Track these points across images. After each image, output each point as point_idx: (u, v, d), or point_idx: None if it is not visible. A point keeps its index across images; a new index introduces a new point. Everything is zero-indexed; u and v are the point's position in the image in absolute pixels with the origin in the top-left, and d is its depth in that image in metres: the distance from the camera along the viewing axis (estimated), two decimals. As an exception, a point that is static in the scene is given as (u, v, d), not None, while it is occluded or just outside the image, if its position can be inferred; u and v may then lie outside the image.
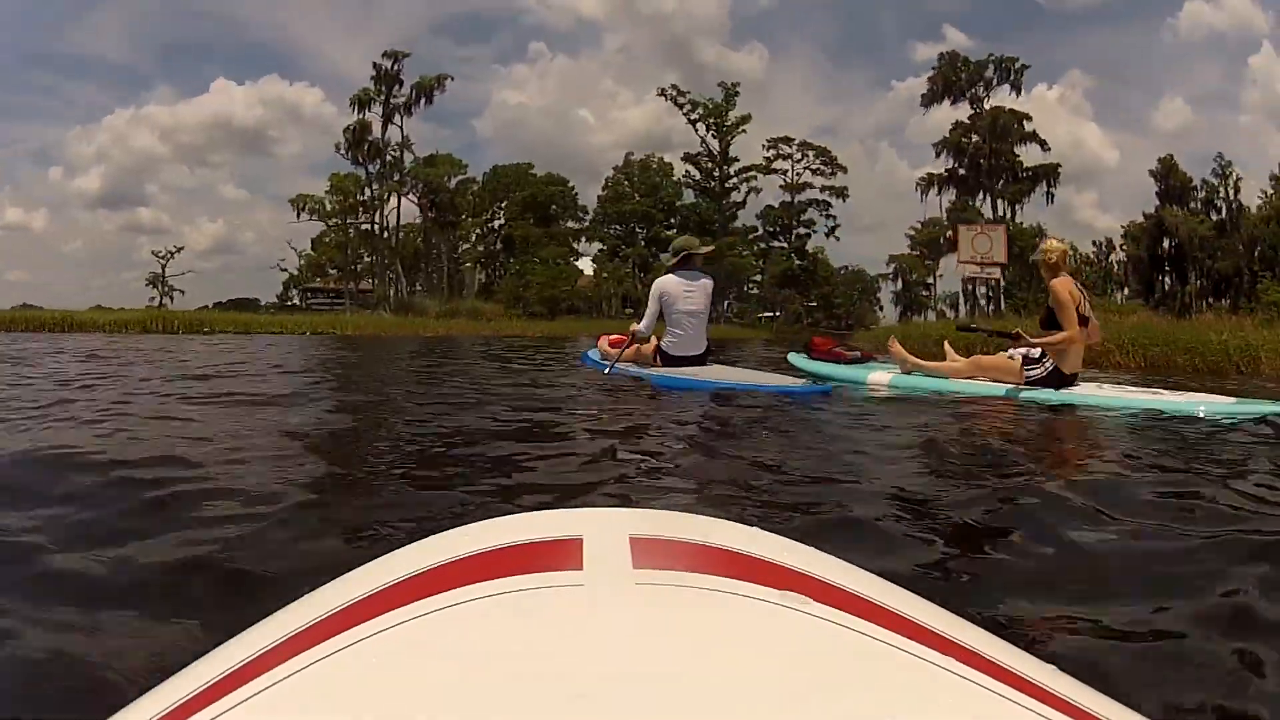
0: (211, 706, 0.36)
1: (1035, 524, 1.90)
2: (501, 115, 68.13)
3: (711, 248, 7.09)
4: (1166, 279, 46.12)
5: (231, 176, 77.18)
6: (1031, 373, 5.07)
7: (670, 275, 6.22)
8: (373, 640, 0.40)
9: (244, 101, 60.76)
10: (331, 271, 50.71)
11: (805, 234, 54.38)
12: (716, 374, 5.75)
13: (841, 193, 53.77)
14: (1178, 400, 4.56)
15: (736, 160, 52.98)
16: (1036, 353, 5.09)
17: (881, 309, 59.73)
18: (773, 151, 54.00)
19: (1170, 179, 46.17)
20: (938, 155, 49.94)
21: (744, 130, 51.73)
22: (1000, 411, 4.58)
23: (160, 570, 1.51)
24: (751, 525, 0.58)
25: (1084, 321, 5.00)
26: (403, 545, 0.54)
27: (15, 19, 59.78)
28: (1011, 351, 5.25)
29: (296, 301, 52.15)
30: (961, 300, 52.73)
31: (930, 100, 50.28)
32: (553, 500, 2.19)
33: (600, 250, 51.94)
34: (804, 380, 5.51)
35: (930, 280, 54.54)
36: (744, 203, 53.53)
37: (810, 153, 54.14)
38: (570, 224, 53.24)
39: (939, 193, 50.43)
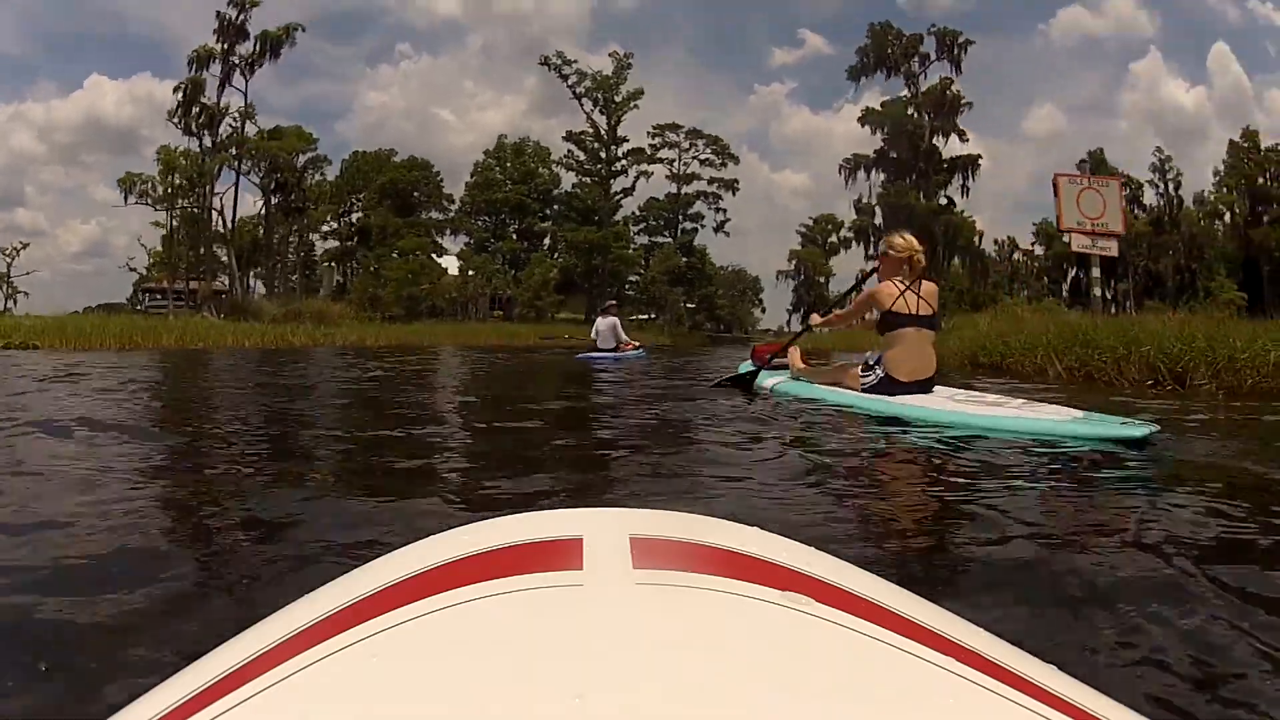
0: (211, 706, 0.37)
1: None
2: (365, 118, 65.59)
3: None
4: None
5: (104, 177, 72.14)
6: (865, 379, 4.92)
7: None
8: (373, 640, 0.40)
9: (115, 99, 55.20)
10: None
11: (692, 229, 51.78)
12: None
13: (731, 185, 51.60)
14: (1022, 416, 3.83)
15: (626, 141, 48.99)
16: (872, 359, 4.96)
17: (764, 310, 58.10)
18: (658, 139, 51.27)
19: (1098, 172, 45.19)
20: (873, 132, 47.03)
21: (636, 106, 47.62)
22: (830, 420, 4.57)
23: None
24: (751, 525, 0.58)
25: (913, 322, 4.79)
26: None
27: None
28: (854, 358, 5.45)
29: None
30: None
31: (860, 73, 47.40)
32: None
33: (466, 244, 47.24)
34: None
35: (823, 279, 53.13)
36: (633, 188, 49.86)
37: (700, 141, 51.74)
38: (435, 214, 48.15)
39: (868, 178, 47.75)
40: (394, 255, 41.55)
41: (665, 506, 1.74)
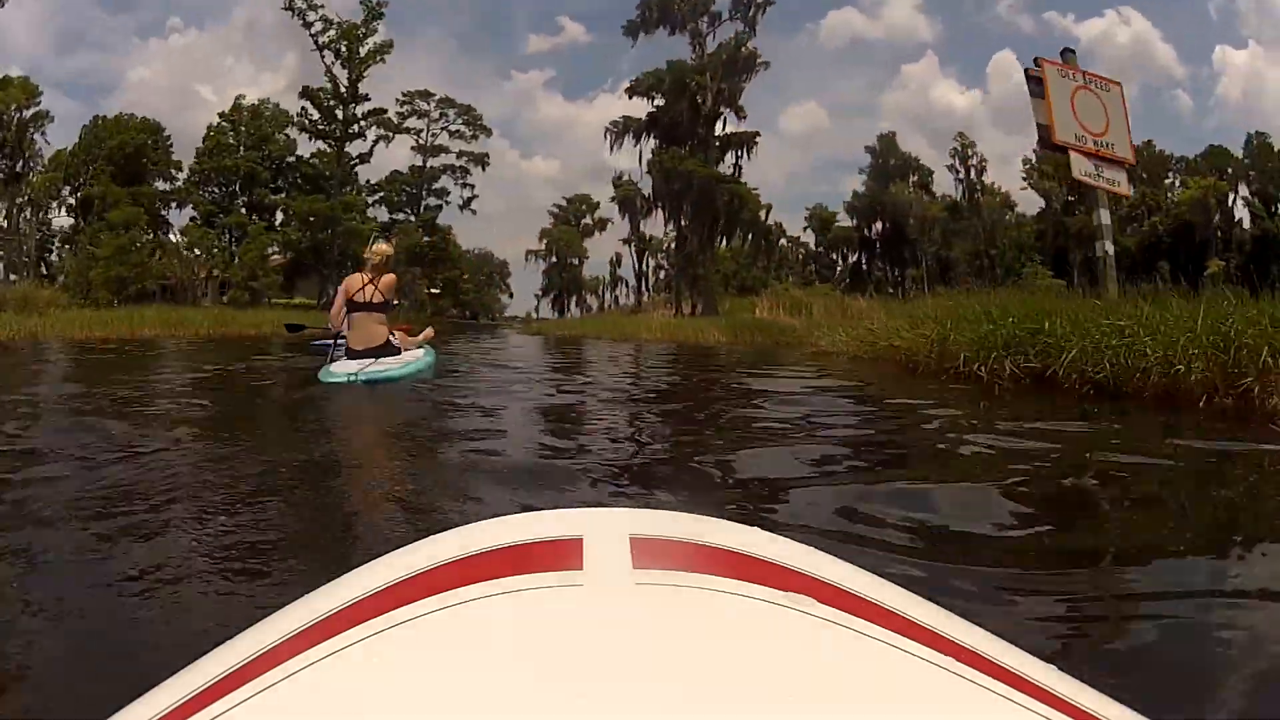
0: (211, 706, 0.37)
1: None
2: (129, 96, 59.71)
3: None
4: (878, 263, 44.35)
5: None
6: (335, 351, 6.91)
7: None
8: (373, 640, 0.40)
9: None
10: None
11: (437, 205, 50.25)
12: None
13: (482, 160, 50.68)
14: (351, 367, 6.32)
15: (368, 100, 45.79)
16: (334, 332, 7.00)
17: (512, 296, 57.93)
18: (407, 107, 49.56)
19: (889, 157, 44.01)
20: (644, 97, 42.78)
21: (382, 60, 44.23)
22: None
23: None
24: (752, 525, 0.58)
25: (358, 308, 6.69)
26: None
27: None
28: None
29: None
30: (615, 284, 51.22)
31: (640, 28, 42.51)
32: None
33: (192, 219, 43.14)
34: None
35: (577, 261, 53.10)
36: (370, 154, 47.09)
37: (451, 111, 50.45)
38: (161, 185, 43.41)
39: (636, 144, 43.53)
40: (106, 231, 37.31)
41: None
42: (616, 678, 0.36)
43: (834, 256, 48.94)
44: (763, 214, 44.88)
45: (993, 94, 54.04)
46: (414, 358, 6.85)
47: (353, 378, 6.06)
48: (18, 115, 38.81)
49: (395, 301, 6.88)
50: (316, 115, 44.81)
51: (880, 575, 0.51)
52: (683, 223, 41.83)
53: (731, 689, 0.36)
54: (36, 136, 39.40)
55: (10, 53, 55.02)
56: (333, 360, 6.68)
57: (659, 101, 43.01)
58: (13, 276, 38.93)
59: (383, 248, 7.00)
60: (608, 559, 0.47)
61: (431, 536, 0.54)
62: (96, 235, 36.88)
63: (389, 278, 6.77)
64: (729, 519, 0.60)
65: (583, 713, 0.33)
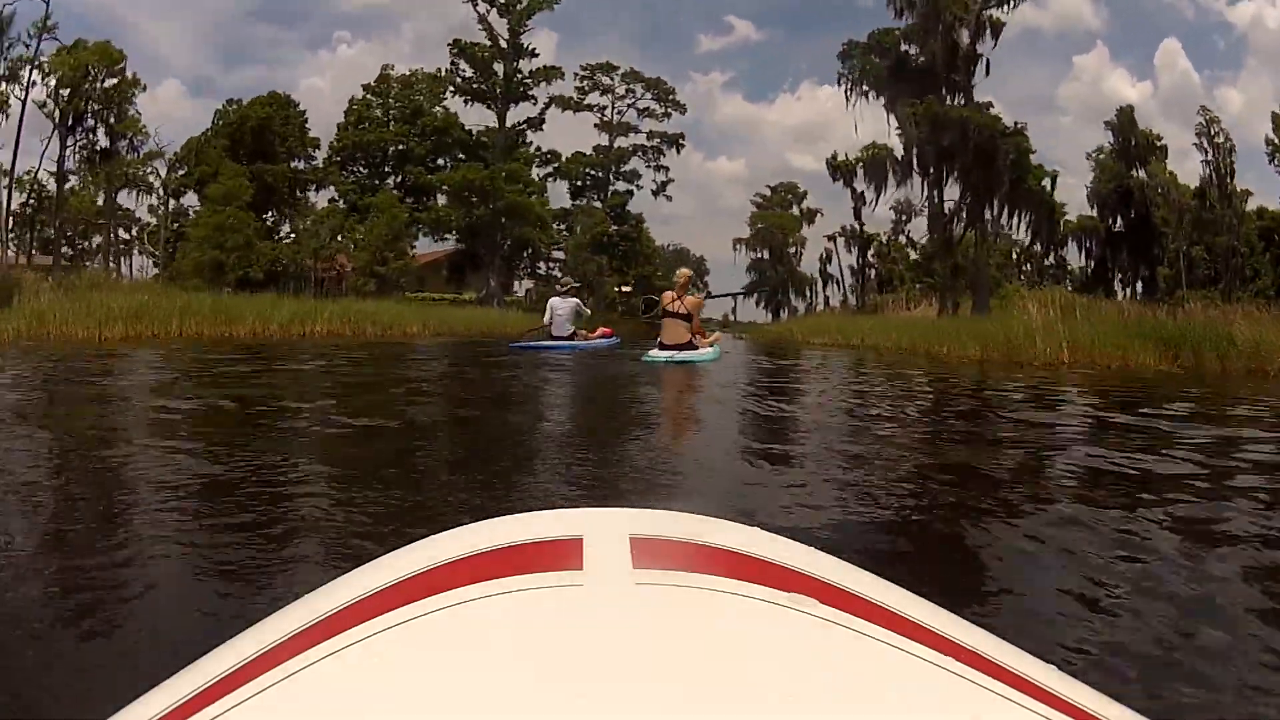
0: (211, 706, 0.37)
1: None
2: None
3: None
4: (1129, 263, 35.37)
5: None
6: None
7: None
8: (373, 640, 0.40)
9: None
10: None
11: (626, 191, 41.03)
12: None
13: (676, 141, 41.50)
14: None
15: (534, 55, 36.95)
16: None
17: (710, 295, 48.74)
18: (588, 82, 40.83)
19: (1130, 135, 34.38)
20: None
21: (551, 6, 36.03)
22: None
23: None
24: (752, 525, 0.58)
25: (666, 315, 9.83)
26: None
27: None
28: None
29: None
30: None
31: None
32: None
33: (331, 201, 35.17)
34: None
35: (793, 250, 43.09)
36: (542, 121, 38.33)
37: (639, 86, 41.34)
38: (299, 165, 35.16)
39: (879, 96, 33.42)
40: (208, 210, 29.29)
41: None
42: (616, 678, 0.36)
43: (1061, 253, 39.97)
44: (1046, 183, 33.44)
45: (1162, 84, 46.97)
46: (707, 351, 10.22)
47: (670, 359, 9.49)
48: (99, 83, 31.28)
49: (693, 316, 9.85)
50: (470, 72, 36.24)
51: (881, 575, 0.51)
52: (941, 194, 31.40)
53: (732, 689, 0.36)
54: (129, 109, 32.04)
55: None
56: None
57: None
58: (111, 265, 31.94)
59: (685, 271, 10.47)
60: (608, 559, 0.47)
61: (431, 536, 0.53)
62: (200, 217, 28.92)
63: (693, 299, 10.03)
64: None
65: (583, 713, 0.33)
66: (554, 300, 12.99)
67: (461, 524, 0.55)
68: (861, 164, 34.79)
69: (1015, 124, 31.57)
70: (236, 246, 27.07)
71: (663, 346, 9.68)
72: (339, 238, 31.79)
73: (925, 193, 33.15)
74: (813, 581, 0.46)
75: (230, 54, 57.40)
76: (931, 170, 31.98)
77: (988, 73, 31.44)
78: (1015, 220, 34.05)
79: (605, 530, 0.50)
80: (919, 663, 0.39)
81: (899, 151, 33.33)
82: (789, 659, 0.39)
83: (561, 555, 0.47)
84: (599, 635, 0.40)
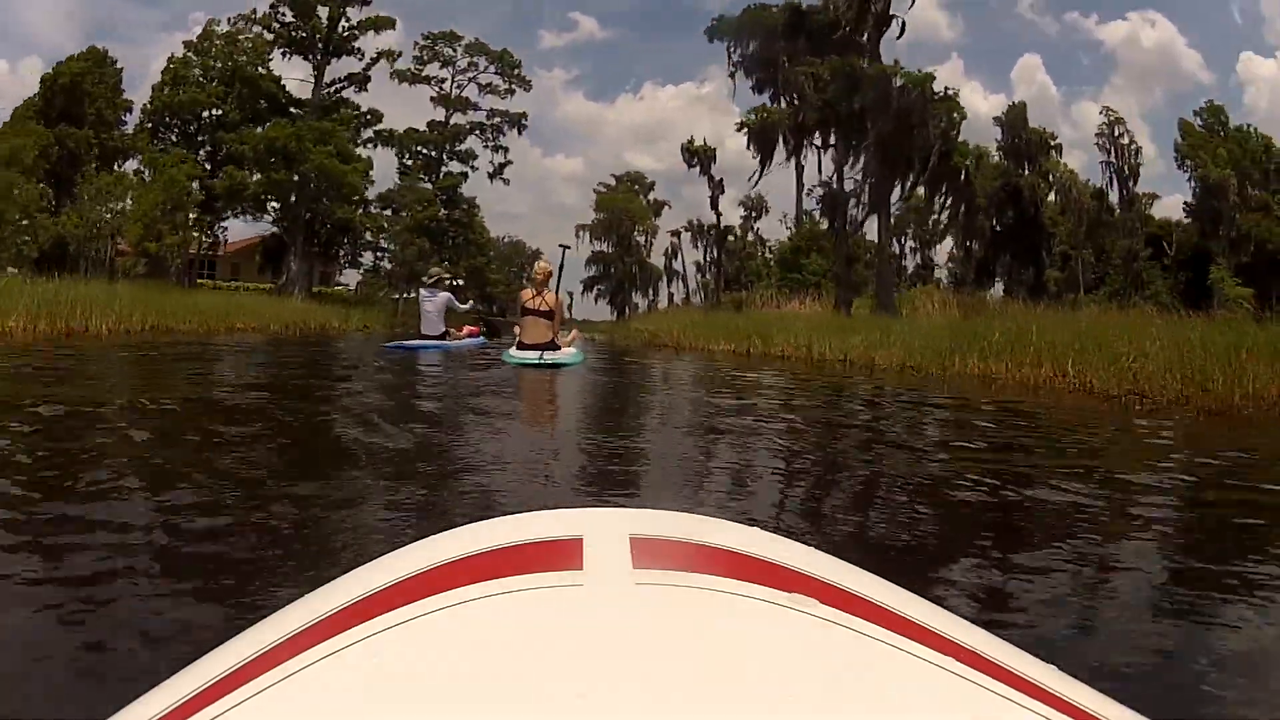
0: (211, 706, 0.37)
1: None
2: None
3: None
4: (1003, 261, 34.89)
5: None
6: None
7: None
8: (373, 640, 0.40)
9: None
10: None
11: (461, 173, 39.34)
12: None
13: (519, 121, 40.36)
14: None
15: (367, 2, 34.14)
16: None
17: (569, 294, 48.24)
18: (428, 52, 39.26)
19: (1019, 133, 33.84)
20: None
21: None
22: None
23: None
24: (752, 525, 0.58)
25: (526, 313, 9.24)
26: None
27: None
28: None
29: None
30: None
31: None
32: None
33: (136, 172, 31.57)
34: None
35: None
36: (365, 78, 35.44)
37: (482, 58, 39.95)
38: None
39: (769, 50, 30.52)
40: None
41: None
42: (616, 678, 0.36)
43: (928, 252, 40.79)
44: (970, 164, 31.55)
45: (1018, 98, 45.70)
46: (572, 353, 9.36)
47: (539, 358, 8.67)
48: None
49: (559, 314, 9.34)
50: (290, 17, 33.30)
51: (881, 575, 0.51)
52: (841, 170, 28.50)
53: (732, 689, 0.36)
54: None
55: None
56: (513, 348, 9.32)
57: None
58: None
59: (544, 265, 9.80)
60: (608, 559, 0.47)
61: (431, 536, 0.54)
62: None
63: (554, 296, 9.43)
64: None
65: (583, 713, 0.33)
66: (422, 293, 11.97)
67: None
68: (748, 129, 31.81)
69: (946, 90, 28.32)
70: (11, 220, 24.49)
71: (522, 346, 9.07)
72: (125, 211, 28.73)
73: (821, 167, 30.39)
74: (813, 581, 0.47)
75: (92, 32, 56.53)
76: (835, 140, 29.03)
77: (901, 33, 28.13)
78: (936, 203, 33.18)
79: (605, 530, 0.51)
80: (919, 663, 0.39)
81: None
82: (789, 659, 0.39)
83: (561, 555, 0.48)
84: (599, 635, 0.40)
